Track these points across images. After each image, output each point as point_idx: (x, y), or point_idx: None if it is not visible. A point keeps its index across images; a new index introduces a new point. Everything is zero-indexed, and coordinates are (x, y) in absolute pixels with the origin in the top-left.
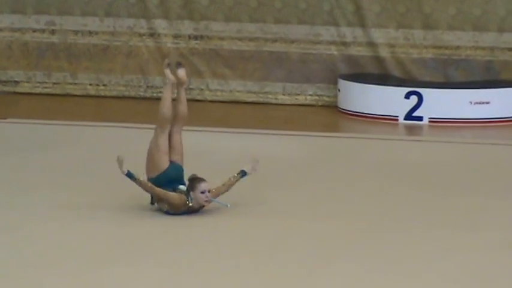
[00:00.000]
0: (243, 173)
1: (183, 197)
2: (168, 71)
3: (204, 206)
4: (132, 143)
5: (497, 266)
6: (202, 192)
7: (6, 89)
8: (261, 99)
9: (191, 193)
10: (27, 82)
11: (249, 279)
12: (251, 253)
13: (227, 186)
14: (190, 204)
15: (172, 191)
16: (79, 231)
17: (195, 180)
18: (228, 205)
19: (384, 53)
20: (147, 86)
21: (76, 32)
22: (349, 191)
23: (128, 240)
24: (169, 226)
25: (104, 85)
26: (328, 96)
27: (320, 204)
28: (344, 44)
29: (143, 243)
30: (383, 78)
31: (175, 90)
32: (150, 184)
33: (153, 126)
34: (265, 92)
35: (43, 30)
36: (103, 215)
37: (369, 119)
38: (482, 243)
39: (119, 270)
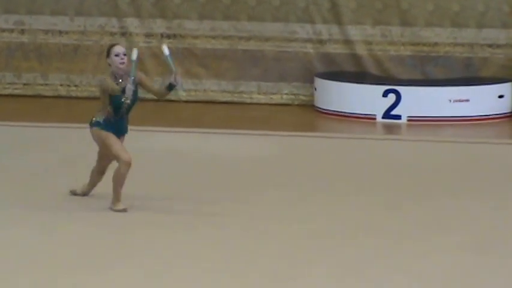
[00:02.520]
0: (171, 87)
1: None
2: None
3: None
4: None
5: (471, 266)
6: (117, 55)
7: None
8: (235, 99)
9: (107, 59)
10: None
11: (226, 284)
12: (227, 255)
13: (150, 87)
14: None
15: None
16: (48, 234)
17: (108, 46)
18: (183, 92)
19: (361, 50)
20: None
21: (46, 32)
22: (325, 191)
23: (97, 244)
24: (132, 226)
25: (75, 86)
26: (304, 95)
27: (297, 205)
28: (320, 41)
29: (116, 246)
30: (360, 76)
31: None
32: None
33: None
34: (240, 92)
35: (12, 30)
36: (75, 216)
37: (346, 118)
38: (456, 244)
39: (87, 277)
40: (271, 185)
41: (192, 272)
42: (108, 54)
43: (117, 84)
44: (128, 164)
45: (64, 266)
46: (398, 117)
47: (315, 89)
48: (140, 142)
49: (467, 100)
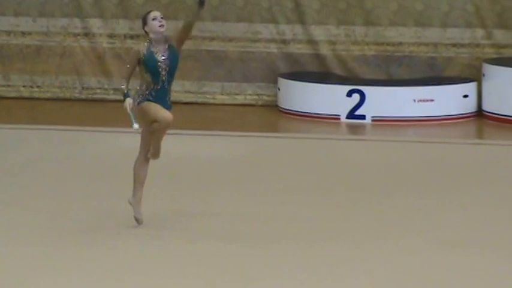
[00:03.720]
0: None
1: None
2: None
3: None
4: (68, 146)
5: (438, 266)
6: (154, 19)
7: None
8: (199, 99)
9: (145, 27)
10: None
11: None
12: (194, 256)
13: (181, 32)
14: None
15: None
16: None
17: (144, 15)
18: (135, 126)
19: (325, 50)
20: (82, 88)
21: (8, 33)
22: (288, 192)
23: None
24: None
25: (37, 87)
26: (268, 96)
27: (259, 206)
28: (283, 41)
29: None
30: (324, 77)
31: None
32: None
33: (89, 128)
34: (204, 92)
35: None
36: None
37: (310, 119)
38: (423, 244)
39: None
40: (233, 186)
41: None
42: (144, 22)
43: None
44: (167, 123)
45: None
46: (362, 117)
47: (279, 89)
48: (104, 144)
49: (432, 100)
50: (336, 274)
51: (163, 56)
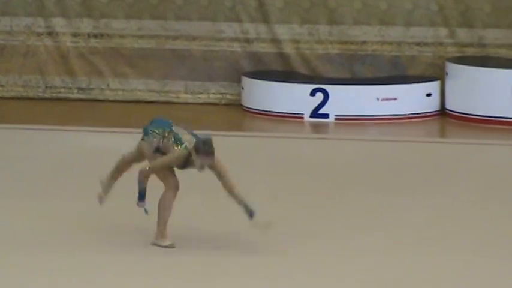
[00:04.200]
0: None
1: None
2: None
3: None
4: (32, 146)
5: (403, 264)
6: None
7: None
8: (162, 98)
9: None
10: None
11: None
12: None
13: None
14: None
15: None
16: None
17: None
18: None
19: (288, 49)
20: (46, 87)
21: None
22: (252, 191)
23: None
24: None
25: (1, 86)
26: (232, 95)
27: (221, 206)
28: (247, 40)
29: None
30: (287, 76)
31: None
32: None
33: (53, 127)
34: (167, 91)
35: None
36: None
37: (273, 118)
38: (386, 241)
39: None
40: (195, 185)
41: None
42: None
43: None
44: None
45: None
46: (326, 116)
47: (242, 88)
48: (67, 143)
49: (395, 99)
50: (300, 273)
51: None
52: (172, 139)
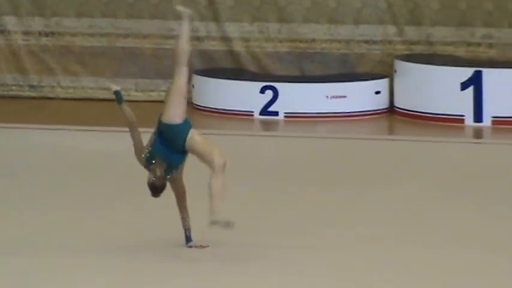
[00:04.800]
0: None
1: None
2: None
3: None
4: None
5: (360, 260)
6: None
7: None
8: (113, 96)
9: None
10: None
11: None
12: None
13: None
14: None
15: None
16: None
17: None
18: None
19: (238, 47)
20: None
21: None
22: (201, 188)
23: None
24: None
25: None
26: None
27: (173, 204)
28: (197, 38)
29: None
30: (237, 73)
31: None
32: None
33: (4, 125)
34: None
35: None
36: None
37: (223, 115)
38: (342, 238)
39: None
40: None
41: None
42: None
43: None
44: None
45: None
46: (275, 113)
47: (193, 86)
48: (18, 140)
49: (344, 96)
50: (254, 268)
51: None
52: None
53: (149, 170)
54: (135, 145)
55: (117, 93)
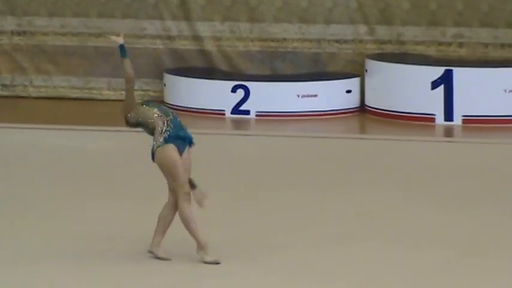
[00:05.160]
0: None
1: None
2: None
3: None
4: None
5: (327, 258)
6: None
7: None
8: (85, 95)
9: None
10: None
11: None
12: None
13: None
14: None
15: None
16: None
17: None
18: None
19: (210, 46)
20: None
21: None
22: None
23: None
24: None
25: None
26: (154, 91)
27: (146, 203)
28: (169, 38)
29: None
30: (209, 72)
31: None
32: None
33: None
34: (90, 88)
35: None
36: None
37: (195, 114)
38: (312, 236)
39: None
40: (115, 180)
41: None
42: None
43: None
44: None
45: None
46: (247, 112)
47: (164, 85)
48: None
49: (315, 95)
50: (224, 264)
51: None
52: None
53: (131, 127)
54: (126, 101)
55: (121, 46)
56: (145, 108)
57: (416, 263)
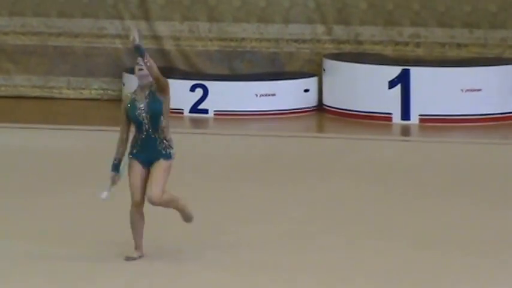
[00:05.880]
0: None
1: None
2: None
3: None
4: None
5: (282, 256)
6: (137, 63)
7: None
8: (45, 94)
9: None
10: None
11: None
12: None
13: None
14: None
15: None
16: None
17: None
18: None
19: (169, 45)
20: None
21: None
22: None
23: None
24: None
25: None
26: (113, 90)
27: (113, 201)
28: (128, 37)
29: None
30: (168, 71)
31: None
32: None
33: None
34: (50, 87)
35: None
36: None
37: None
38: (269, 234)
39: None
40: (75, 178)
41: None
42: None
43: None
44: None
45: None
46: (205, 111)
47: (124, 84)
48: None
49: (274, 94)
50: (175, 266)
51: (141, 104)
52: None
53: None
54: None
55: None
56: None
57: (369, 258)
